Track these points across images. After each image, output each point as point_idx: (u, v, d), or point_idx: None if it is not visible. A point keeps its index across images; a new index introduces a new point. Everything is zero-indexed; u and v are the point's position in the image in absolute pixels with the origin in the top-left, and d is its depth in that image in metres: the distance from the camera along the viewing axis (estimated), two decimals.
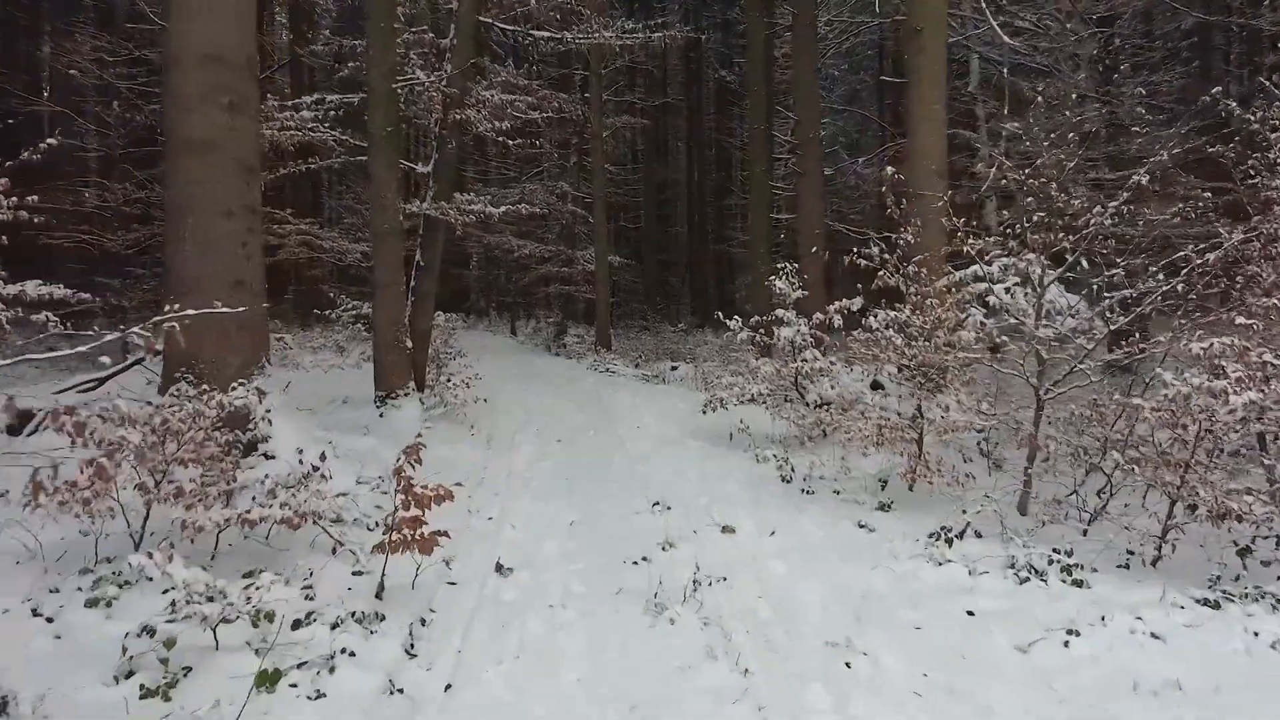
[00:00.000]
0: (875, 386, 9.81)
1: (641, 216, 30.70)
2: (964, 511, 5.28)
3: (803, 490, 6.47)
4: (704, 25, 30.08)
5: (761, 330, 8.70)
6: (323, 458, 4.71)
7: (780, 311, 8.30)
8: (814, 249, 13.03)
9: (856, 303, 7.96)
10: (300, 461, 5.00)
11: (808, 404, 8.44)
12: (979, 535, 5.23)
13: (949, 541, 5.13)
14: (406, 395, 8.47)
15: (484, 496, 6.24)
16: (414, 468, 4.07)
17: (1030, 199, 5.54)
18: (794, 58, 13.84)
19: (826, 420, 6.90)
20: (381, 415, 8.30)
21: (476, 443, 7.99)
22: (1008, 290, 6.29)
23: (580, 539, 5.28)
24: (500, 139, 8.93)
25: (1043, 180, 5.51)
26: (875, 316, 6.07)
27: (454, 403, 8.76)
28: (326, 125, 8.62)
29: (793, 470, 6.94)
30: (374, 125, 8.35)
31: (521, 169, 22.02)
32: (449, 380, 10.04)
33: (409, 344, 8.60)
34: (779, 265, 8.47)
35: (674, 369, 14.96)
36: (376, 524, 5.05)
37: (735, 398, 8.32)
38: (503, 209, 9.50)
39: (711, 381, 9.84)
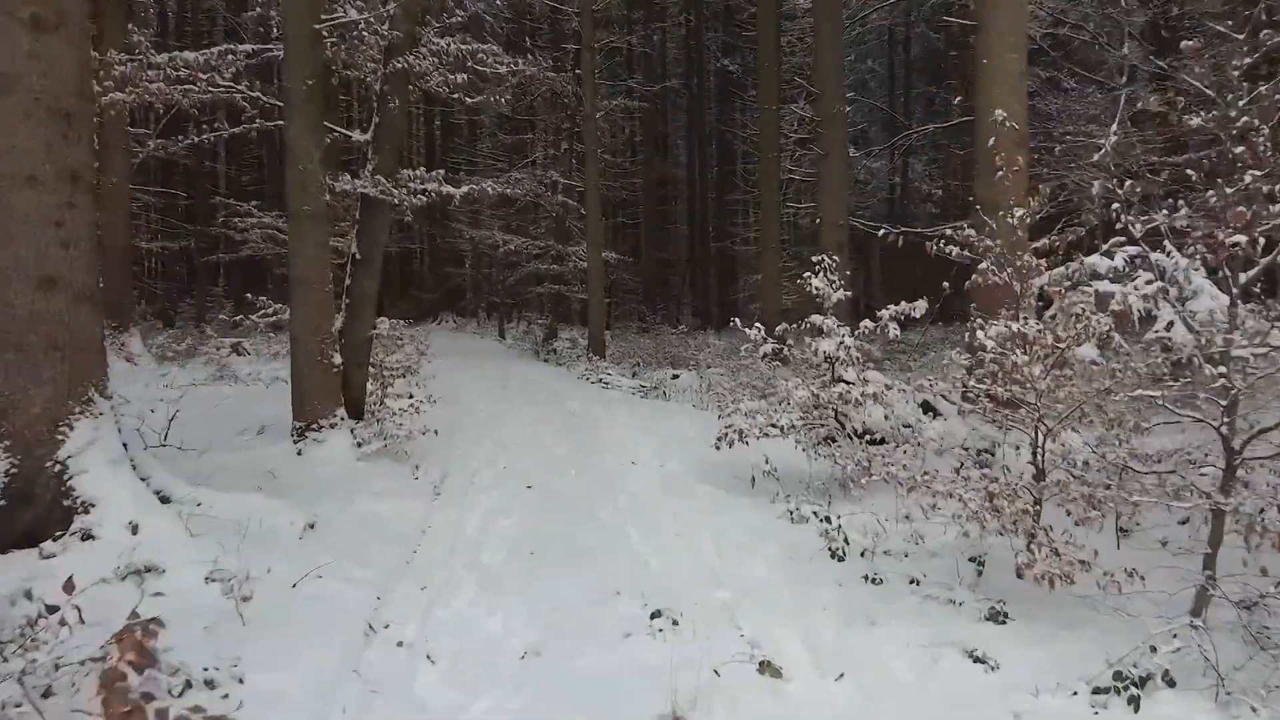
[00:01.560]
0: (926, 409, 7.76)
1: (640, 213, 28.63)
2: (1153, 650, 3.21)
3: (866, 578, 4.39)
4: (705, 13, 28.00)
5: (789, 342, 6.65)
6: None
7: (816, 318, 6.23)
8: (839, 241, 10.97)
9: (920, 307, 5.92)
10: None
11: (850, 435, 6.40)
12: (1171, 684, 3.17)
13: (1133, 700, 3.07)
14: (334, 426, 6.39)
15: (404, 592, 4.17)
16: (139, 671, 1.99)
17: (1241, 147, 3.46)
18: (816, 23, 11.77)
19: (898, 474, 4.82)
20: (300, 453, 6.23)
21: (420, 491, 5.91)
22: (1142, 294, 4.25)
23: (532, 693, 3.20)
24: (455, 95, 6.86)
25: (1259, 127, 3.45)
26: (984, 330, 3.97)
27: (397, 435, 6.67)
28: (230, 75, 6.54)
29: (845, 540, 4.87)
30: (290, 78, 6.27)
31: (511, 159, 19.88)
32: (409, 399, 7.97)
33: (337, 360, 6.52)
34: (816, 258, 6.40)
35: (675, 378, 12.90)
36: (189, 683, 2.94)
37: (758, 429, 6.24)
38: (464, 189, 7.42)
39: (726, 404, 7.75)
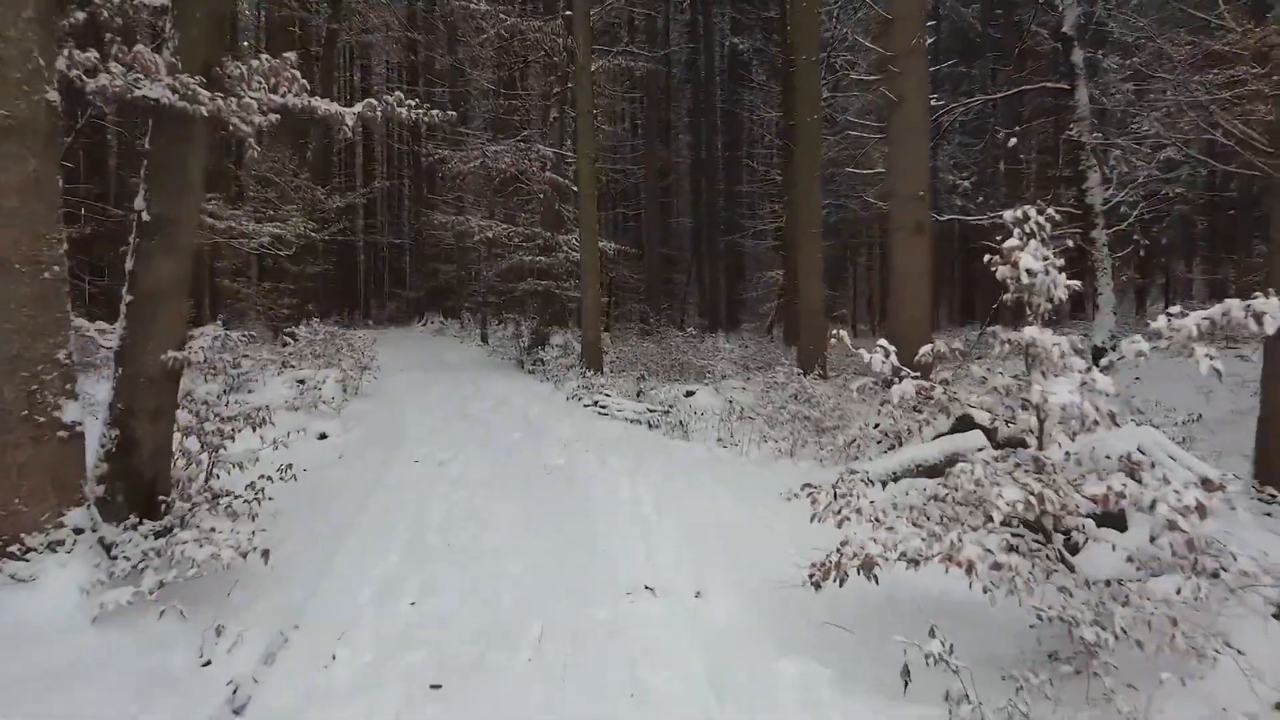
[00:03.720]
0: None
1: (641, 204, 25.30)
2: None
3: None
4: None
5: (946, 378, 3.37)
6: None
7: (1033, 333, 2.92)
8: (916, 220, 7.71)
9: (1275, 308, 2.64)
10: None
11: (1059, 554, 3.14)
12: None
13: None
14: (58, 547, 3.08)
15: None
16: None
17: None
18: None
19: None
20: None
21: (190, 711, 2.59)
22: None
23: None
24: None
25: None
26: None
27: (194, 561, 3.30)
28: None
29: None
30: None
31: (495, 137, 16.51)
32: (258, 483, 4.65)
33: (68, 415, 3.21)
34: (1014, 215, 3.08)
35: (690, 395, 9.61)
36: None
37: (901, 549, 2.93)
38: (358, 108, 4.14)
39: (821, 503, 4.31)
